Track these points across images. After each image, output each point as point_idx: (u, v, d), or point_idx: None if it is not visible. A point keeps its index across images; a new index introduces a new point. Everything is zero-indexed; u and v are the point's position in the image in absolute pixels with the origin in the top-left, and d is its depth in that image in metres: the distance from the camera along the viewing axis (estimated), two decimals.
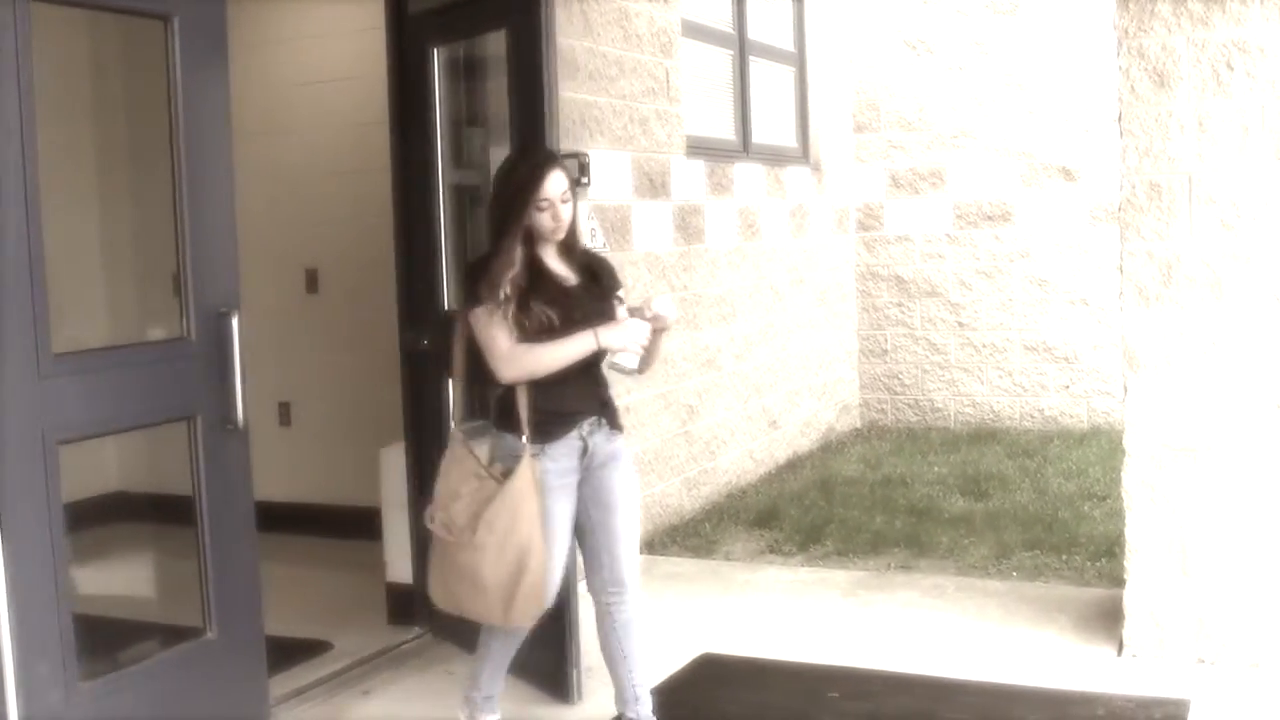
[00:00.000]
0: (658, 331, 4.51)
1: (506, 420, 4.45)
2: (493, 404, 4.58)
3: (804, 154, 10.67)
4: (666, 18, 7.96)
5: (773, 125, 10.16)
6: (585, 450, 4.53)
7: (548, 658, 5.23)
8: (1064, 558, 7.07)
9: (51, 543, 4.21)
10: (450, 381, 5.23)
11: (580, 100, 7.00)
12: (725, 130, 9.32)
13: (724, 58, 9.45)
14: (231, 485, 4.94)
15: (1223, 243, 5.25)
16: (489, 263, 4.42)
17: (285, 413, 8.02)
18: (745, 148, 9.50)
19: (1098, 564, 6.87)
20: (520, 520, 4.32)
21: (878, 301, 11.50)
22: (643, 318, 4.47)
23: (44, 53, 4.40)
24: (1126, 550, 5.54)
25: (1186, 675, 5.32)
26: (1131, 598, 5.54)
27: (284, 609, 5.33)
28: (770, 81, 10.19)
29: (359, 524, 6.77)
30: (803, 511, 8.29)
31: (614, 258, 7.29)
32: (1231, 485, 5.32)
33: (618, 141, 7.35)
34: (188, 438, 4.80)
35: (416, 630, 6.09)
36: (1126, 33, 5.35)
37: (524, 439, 4.38)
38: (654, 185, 7.82)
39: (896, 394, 11.50)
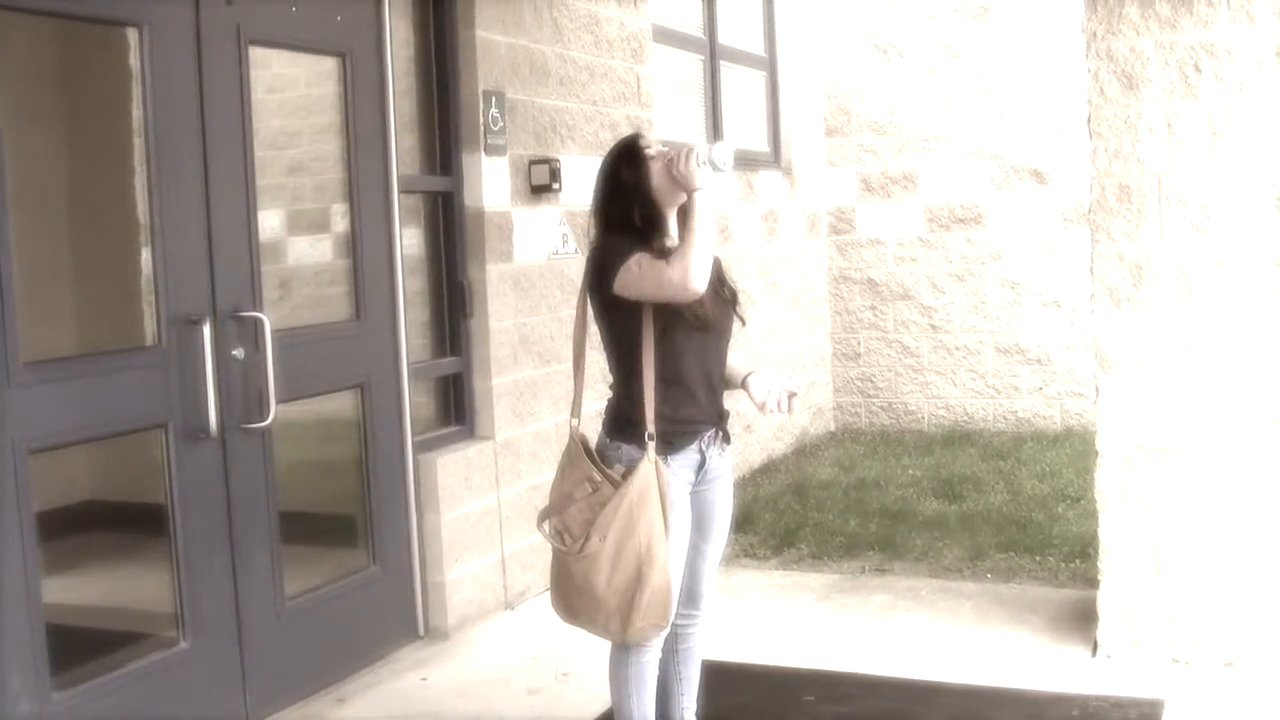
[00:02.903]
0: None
1: (624, 428, 4.14)
2: (606, 409, 4.26)
3: (775, 158, 10.69)
4: (637, 23, 7.96)
5: (744, 129, 10.18)
6: (702, 464, 4.25)
7: None
8: (1038, 559, 7.09)
9: (23, 552, 4.20)
10: None
11: (551, 106, 7.00)
12: (697, 135, 9.32)
13: (695, 62, 9.46)
14: (204, 493, 4.94)
15: (1192, 244, 5.27)
16: (618, 243, 4.10)
17: None
18: None
19: (1071, 565, 6.89)
20: (638, 525, 4.01)
21: (850, 305, 11.52)
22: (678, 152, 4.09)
23: (11, 59, 4.39)
24: (1100, 551, 5.55)
25: (1161, 675, 5.34)
26: (1105, 598, 5.55)
27: None
28: (741, 86, 10.21)
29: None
30: (777, 515, 8.30)
31: None
32: (1204, 486, 5.34)
33: (589, 147, 7.34)
34: (160, 446, 4.80)
35: None
36: (1095, 35, 5.37)
37: (645, 448, 4.06)
38: None
39: (870, 397, 11.52)
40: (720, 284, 4.37)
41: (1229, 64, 5.19)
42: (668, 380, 4.11)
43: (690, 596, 4.38)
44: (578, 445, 4.20)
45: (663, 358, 4.10)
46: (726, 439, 4.36)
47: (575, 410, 4.28)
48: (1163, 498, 5.40)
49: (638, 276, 4.01)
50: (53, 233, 4.98)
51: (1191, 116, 5.25)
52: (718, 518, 4.39)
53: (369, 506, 5.88)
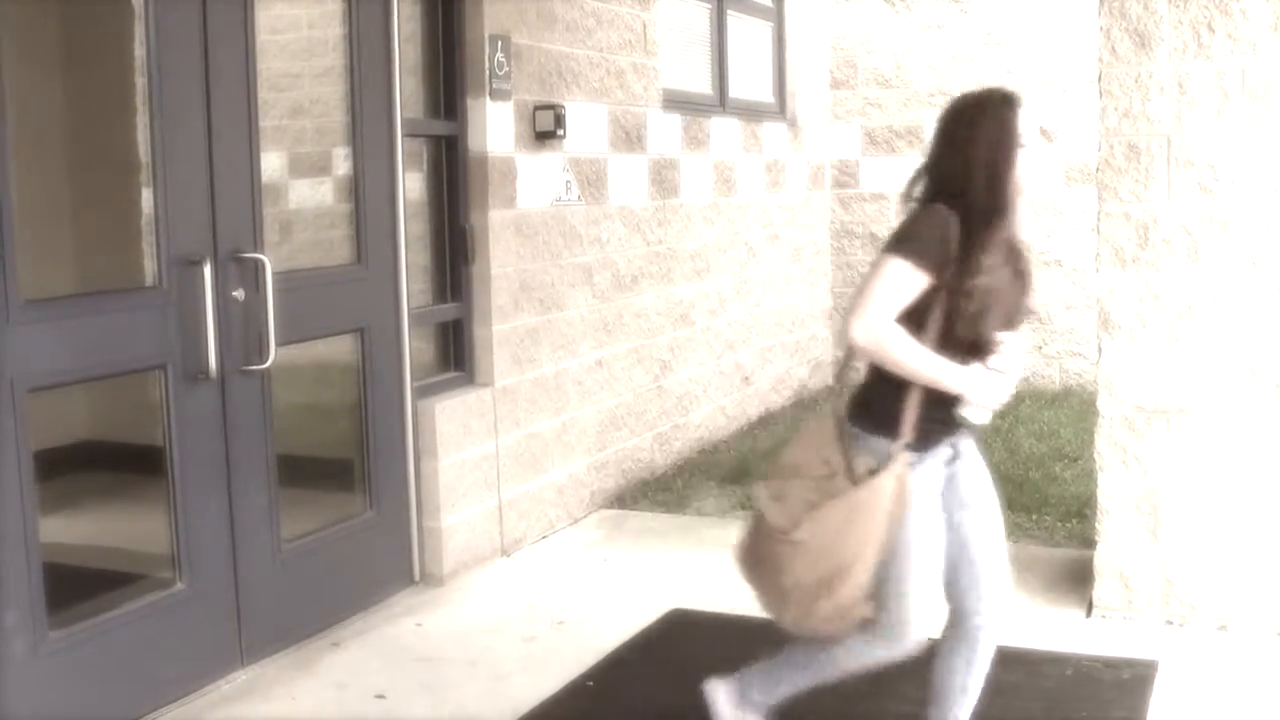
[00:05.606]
0: None
1: (881, 418, 3.63)
2: (859, 392, 3.78)
3: (781, 110, 10.63)
4: None
5: (750, 80, 10.12)
6: (954, 456, 3.79)
7: None
8: (1034, 518, 7.09)
9: (21, 491, 4.20)
10: None
11: (557, 51, 6.95)
12: (702, 84, 9.27)
13: (702, 11, 9.39)
14: (203, 435, 4.94)
15: (1200, 206, 5.24)
16: (949, 217, 3.58)
17: None
18: (722, 102, 9.45)
19: (1068, 525, 6.89)
20: (853, 533, 3.57)
21: (852, 259, 11.48)
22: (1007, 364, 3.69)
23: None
24: (1097, 512, 5.55)
25: (1155, 636, 5.35)
26: (1102, 559, 5.56)
27: None
28: (748, 36, 10.14)
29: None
30: None
31: (589, 212, 7.29)
32: (1204, 449, 5.33)
33: (594, 94, 7.30)
34: (159, 387, 4.79)
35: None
36: None
37: (896, 444, 3.60)
38: (630, 139, 7.78)
39: None
40: (1018, 268, 3.85)
41: (1243, 24, 5.14)
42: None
43: (994, 590, 3.86)
44: (832, 422, 3.76)
45: (947, 344, 3.60)
46: None
47: (840, 379, 3.90)
48: (1162, 460, 5.39)
49: (890, 278, 3.54)
50: (54, 172, 4.96)
51: (1203, 77, 5.21)
52: (980, 487, 3.90)
53: (367, 451, 5.88)
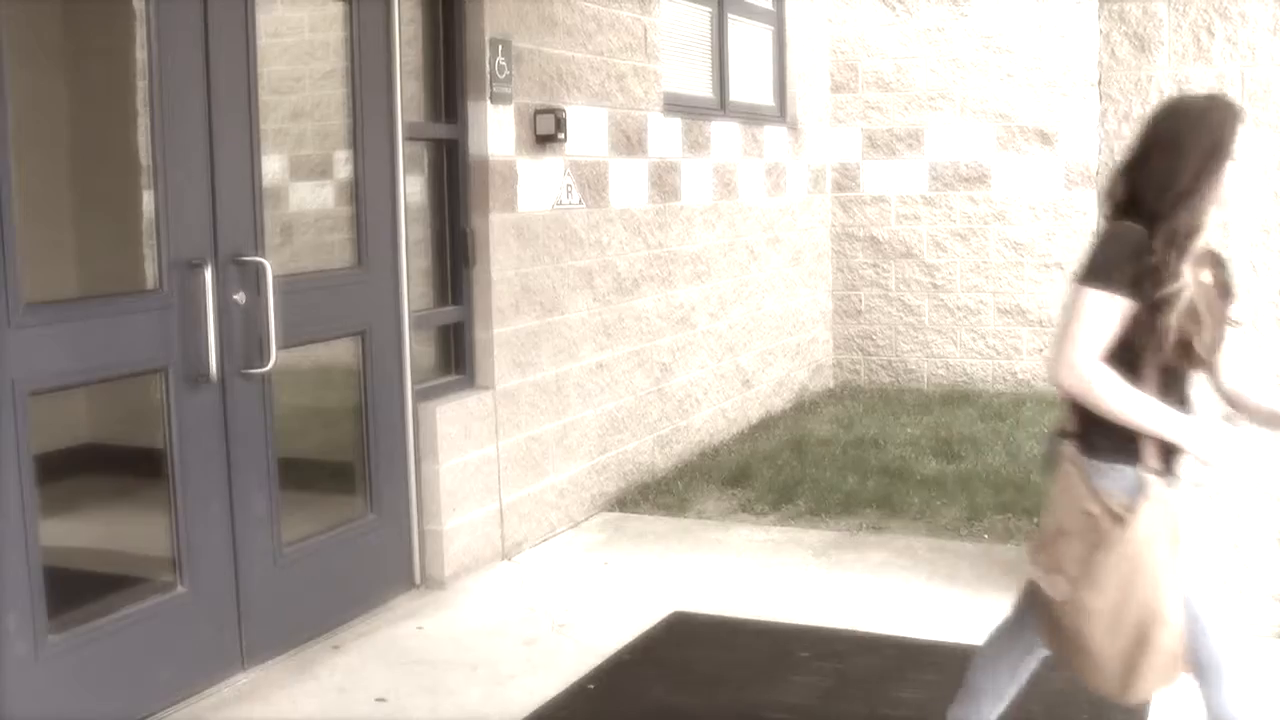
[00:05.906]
0: None
1: (1117, 442, 3.35)
2: (1084, 421, 3.42)
3: (781, 113, 10.63)
4: None
5: (750, 84, 10.12)
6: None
7: None
8: (1035, 521, 7.07)
9: (22, 494, 4.20)
10: None
11: (558, 55, 6.96)
12: (703, 88, 9.28)
13: (702, 15, 9.40)
14: (204, 438, 4.94)
15: None
16: (1136, 232, 3.32)
17: None
18: (723, 106, 9.46)
19: None
20: (1140, 578, 3.29)
21: (852, 262, 11.49)
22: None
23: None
24: None
25: None
26: None
27: None
28: (748, 40, 10.15)
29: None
30: (775, 471, 8.30)
31: (590, 215, 7.29)
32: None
33: (595, 97, 7.31)
34: (160, 390, 4.79)
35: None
36: None
37: (1141, 469, 3.32)
38: (631, 142, 7.78)
39: (870, 355, 11.51)
40: (1225, 290, 3.56)
41: (1242, 28, 5.15)
42: (1169, 394, 3.38)
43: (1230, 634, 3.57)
44: (1072, 468, 3.46)
45: (1165, 367, 3.37)
46: None
47: (1070, 422, 3.51)
48: None
49: (1090, 310, 3.30)
50: (55, 174, 4.96)
51: (1203, 80, 5.21)
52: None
53: (368, 454, 5.88)
